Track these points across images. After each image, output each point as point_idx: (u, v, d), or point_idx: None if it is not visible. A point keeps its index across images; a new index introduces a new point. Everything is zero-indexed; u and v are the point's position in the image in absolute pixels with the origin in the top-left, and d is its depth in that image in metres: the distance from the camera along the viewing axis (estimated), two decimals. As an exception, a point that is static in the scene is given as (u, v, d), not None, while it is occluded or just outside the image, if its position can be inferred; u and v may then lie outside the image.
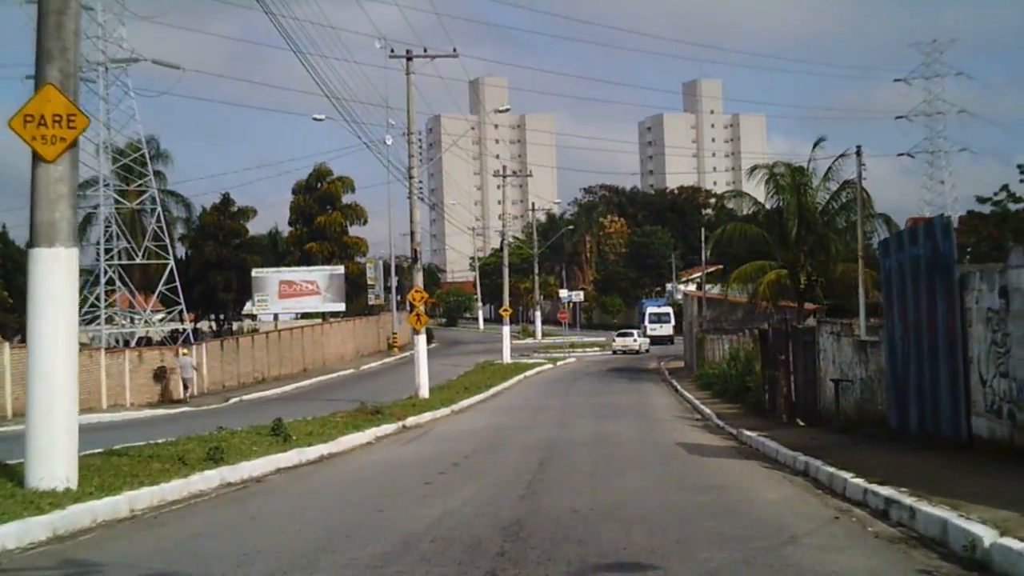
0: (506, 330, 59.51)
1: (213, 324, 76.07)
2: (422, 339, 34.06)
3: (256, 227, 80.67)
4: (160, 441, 18.24)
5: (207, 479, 13.71)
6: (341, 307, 69.11)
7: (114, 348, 46.09)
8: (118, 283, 54.30)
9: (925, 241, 15.23)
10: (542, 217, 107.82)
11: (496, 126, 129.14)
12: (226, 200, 71.91)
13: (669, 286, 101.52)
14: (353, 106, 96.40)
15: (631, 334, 70.31)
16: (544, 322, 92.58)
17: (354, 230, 79.19)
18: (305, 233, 77.30)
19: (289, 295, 67.97)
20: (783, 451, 15.79)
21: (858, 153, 30.53)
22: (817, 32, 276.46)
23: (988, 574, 7.66)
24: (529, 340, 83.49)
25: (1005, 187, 43.83)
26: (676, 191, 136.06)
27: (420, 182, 40.03)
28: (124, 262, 54.47)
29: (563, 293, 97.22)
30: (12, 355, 34.15)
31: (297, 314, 72.88)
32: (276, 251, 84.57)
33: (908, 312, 16.03)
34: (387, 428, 23.02)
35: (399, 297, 71.05)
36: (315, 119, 44.30)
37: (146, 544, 9.86)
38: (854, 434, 17.88)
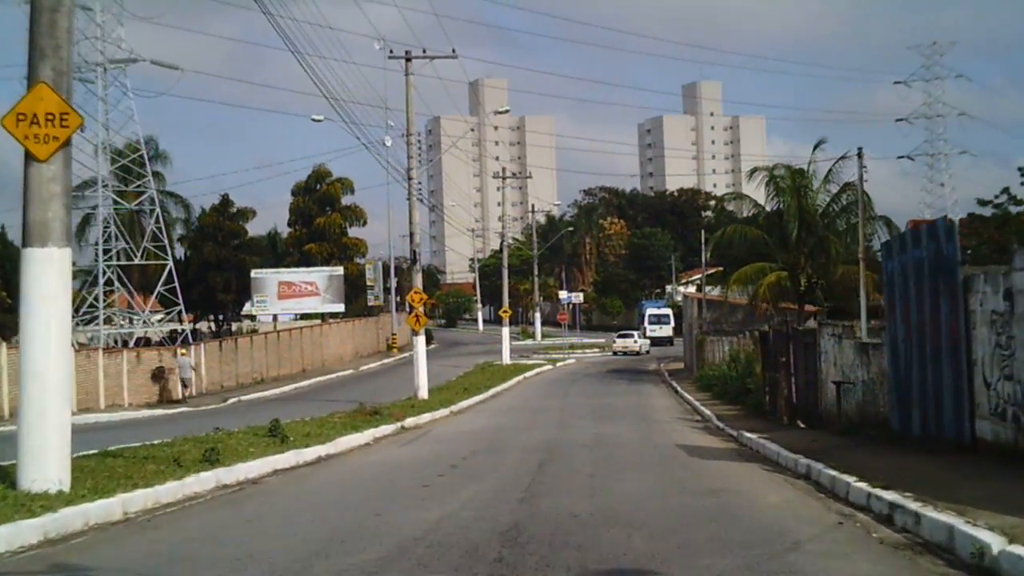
0: (505, 331, 59.39)
1: (212, 325, 75.92)
2: (421, 340, 33.97)
3: (255, 228, 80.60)
4: (156, 442, 18.08)
5: (202, 481, 13.54)
6: (340, 308, 68.99)
7: (112, 348, 45.93)
8: (116, 284, 54.15)
9: (928, 243, 15.10)
10: (542, 219, 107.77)
11: (496, 128, 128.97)
12: (225, 201, 71.76)
13: (669, 288, 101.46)
14: (352, 107, 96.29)
15: (631, 335, 70.28)
16: (544, 323, 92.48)
17: (353, 231, 79.13)
18: (304, 234, 77.16)
19: (288, 296, 67.85)
20: (784, 454, 15.65)
21: (859, 155, 30.45)
22: (817, 34, 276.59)
23: (997, 583, 7.52)
24: (529, 341, 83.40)
25: (1006, 190, 43.69)
26: (676, 193, 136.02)
27: (419, 183, 39.91)
28: (123, 263, 54.31)
29: (563, 295, 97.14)
30: (9, 355, 34.03)
31: (296, 315, 72.75)
32: (275, 252, 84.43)
33: (911, 314, 15.90)
34: (386, 429, 22.88)
35: (398, 298, 70.97)
36: (314, 120, 44.18)
37: (138, 548, 9.71)
38: (856, 437, 17.75)
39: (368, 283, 78.03)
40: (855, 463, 13.13)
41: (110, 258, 53.56)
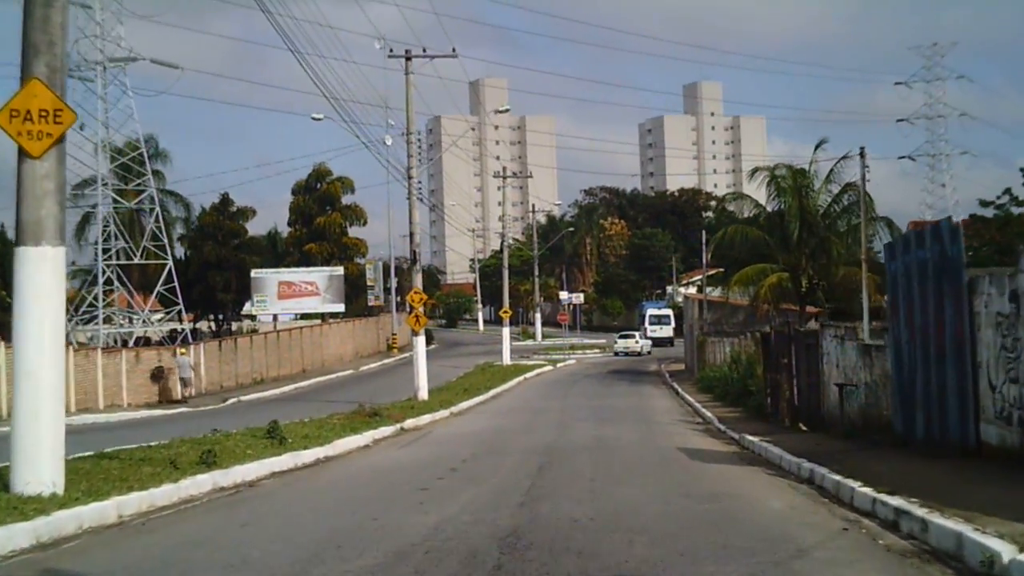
0: (506, 332, 59.25)
1: (212, 324, 75.80)
2: (421, 340, 33.84)
3: (255, 227, 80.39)
4: (153, 444, 17.93)
5: (199, 484, 13.40)
6: (340, 308, 68.86)
7: (111, 348, 45.76)
8: (116, 283, 54.01)
9: (932, 244, 14.93)
10: (542, 219, 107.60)
11: (496, 127, 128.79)
12: (225, 200, 71.63)
13: (669, 288, 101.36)
14: (352, 106, 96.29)
15: (633, 336, 70.25)
16: (544, 324, 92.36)
17: (354, 231, 78.99)
18: (304, 234, 77.02)
19: (288, 296, 67.70)
20: (787, 457, 15.49)
21: (862, 155, 30.42)
22: (818, 35, 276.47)
23: (1007, 592, 7.36)
24: (529, 342, 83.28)
25: (1008, 191, 43.58)
26: (676, 193, 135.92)
27: (419, 183, 39.79)
28: (122, 262, 54.16)
29: (563, 295, 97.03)
30: (8, 355, 33.88)
31: (296, 315, 72.62)
32: (275, 252, 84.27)
33: (914, 316, 15.74)
34: (385, 431, 22.74)
35: (399, 298, 70.83)
36: (314, 118, 44.03)
37: (132, 553, 9.56)
38: (859, 440, 17.59)
39: (368, 283, 77.90)
40: (859, 467, 12.98)
41: (110, 257, 53.41)
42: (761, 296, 37.90)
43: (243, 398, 42.08)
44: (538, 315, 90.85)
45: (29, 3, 11.53)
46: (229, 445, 17.23)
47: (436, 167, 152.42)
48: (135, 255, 54.92)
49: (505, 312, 62.44)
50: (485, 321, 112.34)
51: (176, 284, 54.27)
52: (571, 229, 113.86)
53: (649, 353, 68.12)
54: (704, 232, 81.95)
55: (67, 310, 49.25)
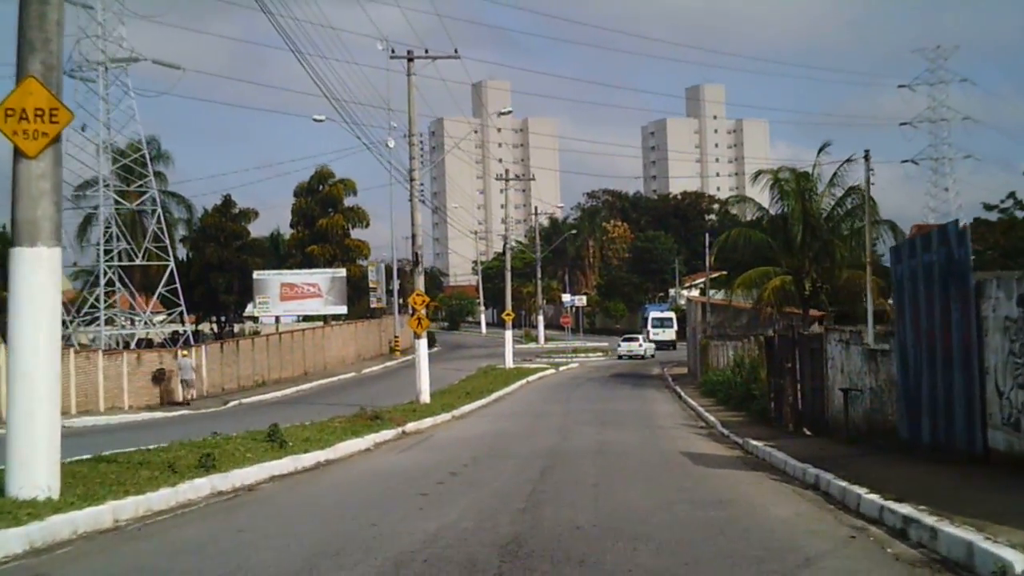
0: (508, 334, 59.07)
1: (214, 326, 75.71)
2: (423, 343, 33.70)
3: (257, 229, 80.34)
4: (152, 447, 17.80)
5: (196, 488, 13.24)
6: (343, 310, 68.72)
7: (112, 350, 45.63)
8: (118, 284, 53.89)
9: (939, 247, 14.76)
10: (545, 221, 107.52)
11: (499, 129, 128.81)
12: (227, 202, 71.54)
13: (672, 291, 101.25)
14: (354, 108, 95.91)
15: (636, 339, 70.13)
16: (547, 327, 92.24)
17: (356, 233, 78.75)
18: (307, 236, 76.86)
19: (290, 297, 67.53)
20: (791, 462, 15.33)
21: (866, 158, 30.09)
22: (821, 38, 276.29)
23: (1020, 602, 7.20)
24: (532, 345, 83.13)
25: (1012, 195, 43.52)
26: (679, 196, 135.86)
27: (422, 185, 39.69)
28: (124, 263, 54.05)
29: (566, 298, 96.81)
30: (6, 356, 33.81)
31: (299, 317, 72.48)
32: (278, 253, 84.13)
33: (920, 320, 15.57)
34: (386, 434, 22.61)
35: (401, 300, 70.67)
36: (315, 120, 43.91)
37: (125, 559, 9.40)
38: (863, 445, 17.44)
39: (371, 285, 77.76)
40: (865, 473, 12.82)
41: (111, 258, 53.29)
42: (764, 299, 37.74)
43: (244, 401, 41.96)
44: (541, 318, 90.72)
45: (25, 0, 11.38)
46: (229, 448, 17.07)
47: (439, 169, 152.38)
48: (137, 256, 54.79)
49: (508, 315, 62.24)
50: (487, 323, 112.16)
51: (178, 285, 54.14)
52: (574, 232, 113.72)
53: (653, 356, 68.00)
54: (707, 235, 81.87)
55: (69, 311, 49.16)
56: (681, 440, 21.91)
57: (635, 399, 36.74)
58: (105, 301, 53.45)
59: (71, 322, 51.84)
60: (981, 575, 7.84)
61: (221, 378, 46.56)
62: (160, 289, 55.10)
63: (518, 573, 8.29)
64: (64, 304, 52.35)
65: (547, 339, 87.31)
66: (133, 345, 52.51)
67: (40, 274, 11.46)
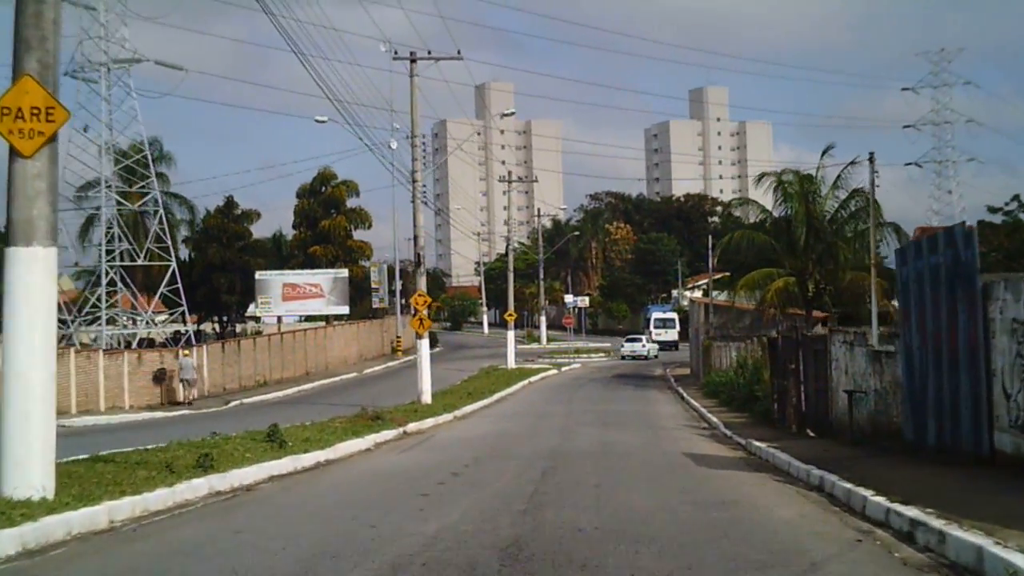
0: (511, 335, 58.92)
1: (216, 326, 75.65)
2: (425, 343, 33.62)
3: (260, 230, 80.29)
4: (151, 447, 17.69)
5: (194, 488, 13.12)
6: (345, 310, 68.63)
7: (113, 350, 45.52)
8: (120, 284, 53.81)
9: (945, 249, 14.63)
10: (548, 223, 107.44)
11: (502, 131, 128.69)
12: (230, 203, 71.49)
13: (675, 292, 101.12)
14: (357, 109, 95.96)
15: (640, 340, 70.05)
16: (549, 327, 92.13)
17: (358, 234, 78.71)
18: (309, 236, 76.81)
19: (293, 298, 67.44)
20: (795, 464, 15.19)
21: (871, 160, 29.93)
22: (824, 40, 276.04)
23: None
24: (534, 345, 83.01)
25: (1016, 197, 43.34)
26: (682, 198, 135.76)
27: (424, 186, 39.56)
28: (126, 263, 53.97)
29: (568, 298, 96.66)
30: (2, 356, 33.70)
31: (301, 317, 72.38)
32: (280, 254, 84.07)
33: (926, 322, 15.44)
34: (387, 434, 22.49)
35: (403, 301, 70.55)
36: (317, 121, 43.82)
37: (119, 561, 9.26)
38: (868, 447, 17.30)
39: (373, 285, 77.68)
40: (870, 475, 12.67)
41: (113, 259, 53.18)
42: (767, 300, 37.63)
43: (246, 401, 41.86)
44: (543, 318, 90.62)
45: (21, -4, 11.28)
46: (228, 448, 16.95)
47: (442, 171, 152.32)
48: (139, 257, 54.69)
49: (510, 315, 62.07)
50: (490, 324, 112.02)
51: (180, 286, 54.04)
52: (576, 233, 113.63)
53: (656, 357, 67.94)
54: (710, 237, 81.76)
55: (71, 311, 49.03)
56: (684, 441, 21.77)
57: (637, 400, 36.61)
58: (107, 301, 53.35)
59: (73, 322, 51.76)
60: (991, 581, 7.69)
61: (222, 378, 46.45)
62: (162, 289, 55.02)
63: (518, 577, 8.15)
64: (66, 304, 52.47)
65: (549, 340, 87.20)
66: (135, 345, 52.41)
67: (36, 274, 11.34)
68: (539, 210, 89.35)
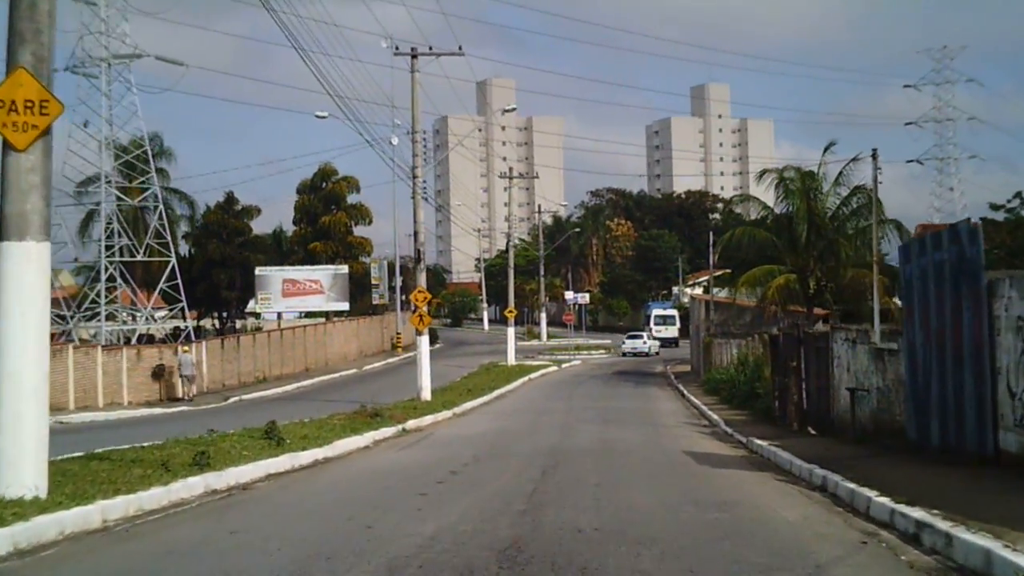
0: (511, 332, 58.81)
1: (216, 322, 75.52)
2: (425, 340, 33.50)
3: (260, 226, 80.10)
4: (147, 444, 17.52)
5: (190, 486, 12.96)
6: (345, 307, 68.50)
7: (111, 345, 45.39)
8: (119, 280, 53.69)
9: (950, 246, 14.46)
10: (548, 219, 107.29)
11: (503, 128, 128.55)
12: (230, 198, 71.38)
13: (675, 289, 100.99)
14: (358, 105, 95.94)
15: (641, 336, 70.00)
16: (549, 324, 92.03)
17: (359, 230, 78.58)
18: (309, 232, 76.65)
19: (292, 294, 67.32)
20: (797, 463, 15.04)
21: (874, 157, 29.85)
22: (826, 37, 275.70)
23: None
24: (534, 342, 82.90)
25: (1018, 194, 43.16)
26: (683, 195, 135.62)
27: (425, 182, 39.44)
28: (126, 259, 53.86)
29: (569, 295, 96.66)
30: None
31: (301, 313, 72.26)
32: (280, 250, 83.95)
33: (930, 319, 15.27)
34: (386, 431, 22.35)
35: (403, 297, 70.42)
36: (317, 116, 43.70)
37: (111, 562, 9.11)
38: (870, 446, 17.14)
39: (373, 282, 77.54)
40: (873, 475, 12.51)
41: (113, 254, 53.09)
42: (768, 297, 37.53)
43: (245, 397, 41.73)
44: (543, 315, 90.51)
45: (15, -11, 11.13)
46: (224, 446, 16.81)
47: (443, 167, 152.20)
48: (139, 252, 54.57)
49: (510, 312, 61.95)
50: (490, 320, 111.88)
51: (180, 281, 53.96)
52: (577, 230, 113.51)
53: (657, 354, 67.85)
54: (711, 234, 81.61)
55: (70, 306, 48.94)
56: (684, 439, 21.63)
57: (638, 397, 36.48)
58: (106, 297, 53.25)
59: (72, 317, 51.66)
60: (1000, 584, 7.53)
61: (222, 374, 46.32)
62: (162, 285, 54.91)
63: (517, 580, 7.99)
64: (65, 299, 52.43)
65: (550, 336, 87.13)
66: (134, 341, 52.30)
67: (29, 269, 11.19)
68: (540, 206, 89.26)
